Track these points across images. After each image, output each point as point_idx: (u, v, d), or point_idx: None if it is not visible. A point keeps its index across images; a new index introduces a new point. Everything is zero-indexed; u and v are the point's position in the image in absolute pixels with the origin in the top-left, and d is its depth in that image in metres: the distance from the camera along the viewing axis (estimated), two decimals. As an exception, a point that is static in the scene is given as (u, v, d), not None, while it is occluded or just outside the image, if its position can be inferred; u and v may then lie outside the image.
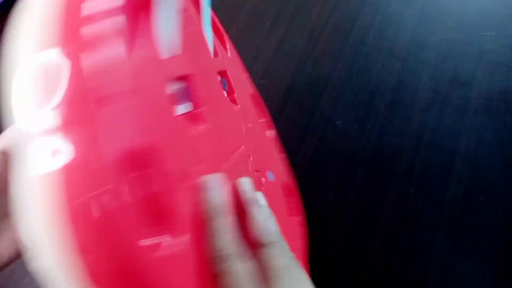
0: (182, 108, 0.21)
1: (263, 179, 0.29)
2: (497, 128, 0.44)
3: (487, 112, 0.44)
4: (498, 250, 0.39)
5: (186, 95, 0.21)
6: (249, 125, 0.29)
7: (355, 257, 0.39)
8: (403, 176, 0.44)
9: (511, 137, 0.43)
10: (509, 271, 0.39)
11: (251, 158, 0.27)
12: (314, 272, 0.27)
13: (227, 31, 0.36)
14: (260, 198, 0.21)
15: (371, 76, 0.50)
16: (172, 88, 0.20)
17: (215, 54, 0.27)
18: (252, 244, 0.20)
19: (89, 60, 0.16)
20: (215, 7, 0.29)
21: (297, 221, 0.36)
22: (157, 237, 0.16)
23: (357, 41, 0.50)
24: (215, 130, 0.23)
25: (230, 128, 0.26)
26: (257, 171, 0.28)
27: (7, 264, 0.27)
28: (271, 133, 0.39)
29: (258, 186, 0.27)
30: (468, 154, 0.42)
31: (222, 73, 0.28)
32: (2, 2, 0.54)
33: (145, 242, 0.16)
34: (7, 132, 0.25)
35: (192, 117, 0.21)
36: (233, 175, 0.22)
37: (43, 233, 0.15)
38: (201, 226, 0.18)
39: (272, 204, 0.22)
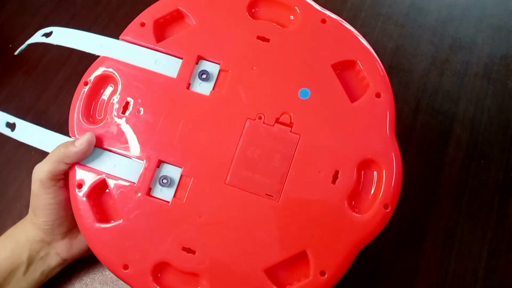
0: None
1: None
2: (497, 92, 0.44)
3: (487, 76, 0.45)
4: (497, 214, 0.39)
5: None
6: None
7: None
8: (402, 141, 0.43)
9: (511, 101, 0.43)
10: (505, 236, 0.41)
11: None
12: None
13: None
14: None
15: (369, 41, 0.49)
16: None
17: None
18: None
19: None
20: None
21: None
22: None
23: (355, 7, 0.50)
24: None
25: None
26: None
27: (76, 258, 0.37)
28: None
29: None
30: (467, 118, 0.43)
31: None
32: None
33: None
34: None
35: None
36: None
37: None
38: None
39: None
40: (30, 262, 0.33)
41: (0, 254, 0.34)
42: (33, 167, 0.33)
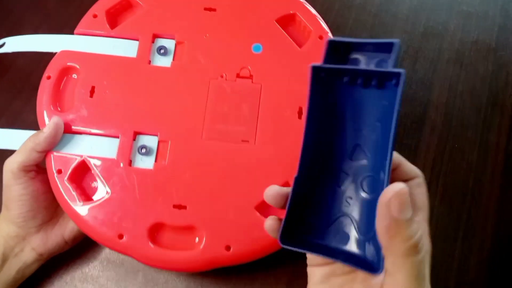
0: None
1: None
2: (469, 77, 0.46)
3: (459, 62, 0.46)
4: (472, 195, 0.40)
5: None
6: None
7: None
8: (378, 127, 0.44)
9: (483, 85, 0.45)
10: (480, 216, 0.43)
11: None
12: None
13: None
14: None
15: (343, 32, 0.51)
16: None
17: None
18: None
19: None
20: None
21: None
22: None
23: None
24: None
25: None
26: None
27: (52, 253, 0.37)
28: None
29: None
30: (441, 103, 0.45)
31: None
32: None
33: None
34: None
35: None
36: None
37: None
38: None
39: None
40: (4, 259, 0.35)
41: None
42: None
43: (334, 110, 0.25)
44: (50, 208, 0.36)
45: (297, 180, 0.24)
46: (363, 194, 0.25)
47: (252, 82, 0.37)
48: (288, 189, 0.26)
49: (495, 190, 0.43)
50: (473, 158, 0.44)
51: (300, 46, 0.39)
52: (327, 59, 0.23)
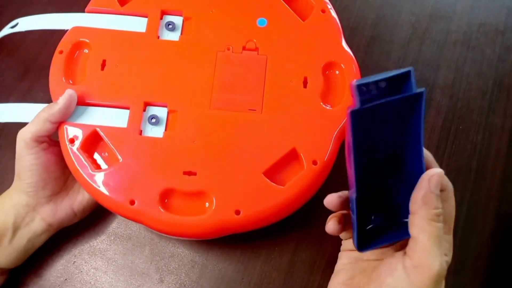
0: None
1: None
2: (476, 59, 0.46)
3: (466, 44, 0.47)
4: (475, 176, 0.41)
5: None
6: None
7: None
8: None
9: (490, 67, 0.46)
10: (483, 195, 0.44)
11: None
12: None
13: None
14: None
15: (351, 14, 0.51)
16: None
17: None
18: None
19: None
20: None
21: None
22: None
23: None
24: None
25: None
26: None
27: (61, 224, 0.39)
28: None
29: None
30: (447, 85, 0.45)
31: None
32: None
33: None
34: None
35: None
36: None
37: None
38: None
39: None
40: (16, 228, 0.37)
41: None
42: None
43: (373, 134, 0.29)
44: (60, 180, 0.38)
45: (358, 199, 0.28)
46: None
47: (258, 54, 0.39)
48: (344, 193, 0.30)
49: (498, 172, 0.44)
50: (477, 140, 0.45)
51: (303, 19, 0.41)
52: (358, 100, 0.26)
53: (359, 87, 0.25)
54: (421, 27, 0.50)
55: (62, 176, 0.38)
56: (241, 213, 0.34)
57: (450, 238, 0.29)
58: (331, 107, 0.38)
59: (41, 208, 0.37)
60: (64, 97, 0.36)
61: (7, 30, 0.43)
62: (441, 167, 0.44)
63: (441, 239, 0.27)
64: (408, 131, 0.28)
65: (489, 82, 0.47)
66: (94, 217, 0.41)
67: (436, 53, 0.49)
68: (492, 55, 0.48)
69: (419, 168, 0.28)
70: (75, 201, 0.38)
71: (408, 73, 0.26)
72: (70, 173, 0.37)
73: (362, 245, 0.29)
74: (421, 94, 0.26)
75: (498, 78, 0.47)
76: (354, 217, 0.28)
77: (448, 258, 0.29)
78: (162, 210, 0.34)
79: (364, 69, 0.48)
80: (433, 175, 0.27)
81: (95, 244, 0.41)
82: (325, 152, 0.36)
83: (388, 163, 0.30)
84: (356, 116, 0.26)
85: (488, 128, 0.45)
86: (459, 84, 0.47)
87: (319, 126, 0.37)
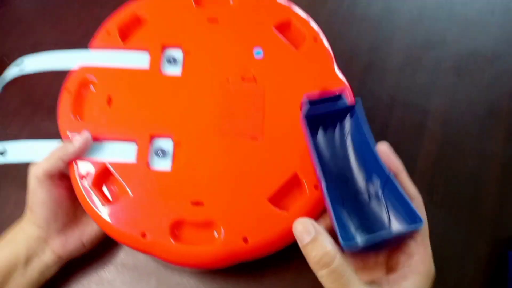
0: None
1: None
2: (467, 86, 0.49)
3: (457, 72, 0.49)
4: (470, 203, 0.42)
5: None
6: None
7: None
8: (379, 134, 0.47)
9: (480, 94, 0.48)
10: (479, 221, 0.45)
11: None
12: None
13: None
14: None
15: (346, 43, 0.54)
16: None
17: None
18: None
19: None
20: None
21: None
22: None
23: (332, 10, 0.55)
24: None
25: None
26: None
27: (70, 256, 0.40)
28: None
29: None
30: (439, 112, 0.48)
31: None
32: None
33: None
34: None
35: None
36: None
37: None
38: None
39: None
40: (27, 260, 0.39)
41: (0, 255, 0.39)
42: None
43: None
44: (71, 213, 0.40)
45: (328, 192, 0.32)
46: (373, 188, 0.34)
47: (256, 83, 0.42)
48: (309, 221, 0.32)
49: (492, 198, 0.45)
50: (471, 166, 0.47)
51: (297, 48, 0.44)
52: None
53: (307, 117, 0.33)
54: (414, 55, 0.53)
55: (72, 209, 0.40)
56: (249, 240, 0.36)
57: (427, 248, 0.31)
58: None
59: (52, 240, 0.39)
60: (80, 140, 0.38)
61: (13, 72, 0.45)
62: (435, 192, 0.46)
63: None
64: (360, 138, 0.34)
65: (480, 109, 0.49)
66: (102, 248, 0.43)
67: (428, 80, 0.51)
68: (482, 83, 0.51)
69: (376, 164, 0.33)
70: (84, 232, 0.40)
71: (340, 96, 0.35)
72: (79, 206, 0.40)
73: (346, 241, 0.29)
74: (353, 106, 0.34)
75: (489, 105, 0.50)
76: (329, 207, 0.31)
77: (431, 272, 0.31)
78: (173, 241, 0.36)
79: (359, 96, 0.50)
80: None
81: (103, 274, 0.43)
82: None
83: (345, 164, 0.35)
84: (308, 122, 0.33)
85: (480, 154, 0.47)
86: (451, 110, 0.50)
87: None
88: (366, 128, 0.34)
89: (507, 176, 0.46)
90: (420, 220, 0.29)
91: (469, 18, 0.55)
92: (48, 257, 0.39)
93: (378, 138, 0.48)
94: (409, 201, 0.30)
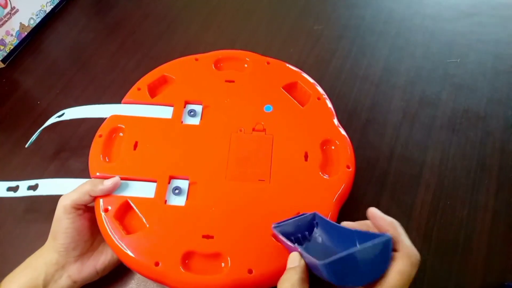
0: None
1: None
2: (460, 142, 0.52)
3: (451, 128, 0.53)
4: (462, 250, 0.45)
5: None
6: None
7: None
8: (378, 184, 0.51)
9: (473, 149, 0.52)
10: (470, 268, 0.48)
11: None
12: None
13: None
14: None
15: (349, 99, 0.59)
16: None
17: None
18: None
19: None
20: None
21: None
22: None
23: (337, 70, 0.60)
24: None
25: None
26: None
27: (85, 282, 0.44)
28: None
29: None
30: (434, 165, 0.51)
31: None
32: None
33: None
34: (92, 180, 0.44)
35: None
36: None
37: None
38: None
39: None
40: (45, 284, 0.43)
41: (20, 279, 0.42)
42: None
43: None
44: (89, 242, 0.45)
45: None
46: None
47: (265, 134, 0.48)
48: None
49: (483, 246, 0.48)
50: (463, 216, 0.50)
51: (302, 105, 0.50)
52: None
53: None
54: (411, 112, 0.58)
55: (90, 239, 0.45)
56: (253, 272, 0.40)
57: None
58: (329, 176, 0.45)
59: (69, 266, 0.43)
60: (111, 182, 0.43)
61: (54, 119, 0.52)
62: (430, 239, 0.49)
63: None
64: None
65: (473, 162, 0.53)
66: (114, 277, 0.47)
67: (424, 135, 0.56)
68: (474, 138, 0.55)
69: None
70: (99, 261, 0.44)
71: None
72: (97, 236, 0.44)
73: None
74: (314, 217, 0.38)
75: (481, 159, 0.53)
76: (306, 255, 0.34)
77: None
78: (183, 270, 0.40)
79: (361, 149, 0.55)
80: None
81: None
82: (326, 215, 0.42)
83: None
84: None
85: (472, 204, 0.50)
86: (445, 163, 0.53)
87: (320, 193, 0.44)
88: (330, 222, 0.37)
89: (497, 226, 0.49)
90: (387, 236, 0.30)
91: (462, 79, 0.60)
92: (64, 281, 0.42)
93: (377, 186, 0.52)
94: (375, 233, 0.32)
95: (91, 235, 0.44)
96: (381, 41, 0.66)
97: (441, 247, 0.49)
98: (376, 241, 0.30)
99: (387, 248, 0.30)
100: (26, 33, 0.67)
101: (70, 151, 0.57)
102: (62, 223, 0.42)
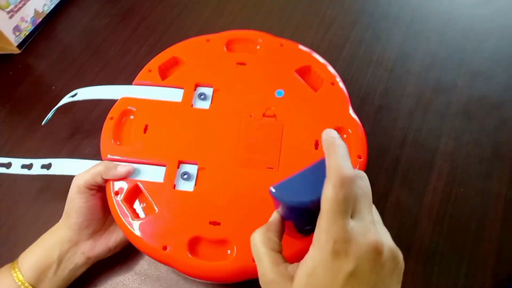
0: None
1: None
2: (475, 129, 0.52)
3: (466, 115, 0.52)
4: (474, 236, 0.45)
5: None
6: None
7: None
8: (390, 170, 0.50)
9: (487, 137, 0.51)
10: (482, 256, 0.48)
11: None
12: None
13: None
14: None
15: (362, 85, 0.58)
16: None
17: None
18: None
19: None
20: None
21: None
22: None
23: (350, 55, 0.60)
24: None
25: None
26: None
27: (98, 258, 0.45)
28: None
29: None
30: (448, 152, 0.51)
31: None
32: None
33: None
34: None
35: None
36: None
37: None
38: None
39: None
40: (60, 260, 0.44)
41: (35, 254, 0.44)
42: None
43: None
44: (101, 221, 0.46)
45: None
46: None
47: (275, 120, 0.47)
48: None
49: (494, 235, 0.47)
50: (476, 204, 0.49)
51: (315, 90, 0.48)
52: None
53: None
54: (425, 98, 0.57)
55: (103, 218, 0.46)
56: None
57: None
58: None
59: (82, 244, 0.44)
60: (124, 169, 0.43)
61: (67, 99, 0.52)
62: (442, 227, 0.49)
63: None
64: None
65: (487, 151, 0.52)
66: (126, 256, 0.48)
67: (438, 122, 0.55)
68: (489, 126, 0.54)
69: None
70: (111, 239, 0.45)
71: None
72: (109, 215, 0.45)
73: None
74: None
75: (495, 147, 0.52)
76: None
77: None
78: (190, 255, 0.40)
79: (373, 135, 0.54)
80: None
81: (127, 282, 0.48)
82: None
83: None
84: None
85: (485, 193, 0.50)
86: (459, 151, 0.53)
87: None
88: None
89: (509, 216, 0.49)
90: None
91: (478, 66, 0.59)
92: (78, 258, 0.44)
93: (388, 173, 0.51)
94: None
95: (104, 214, 0.45)
96: (396, 26, 0.64)
97: (452, 235, 0.48)
98: (314, 164, 0.31)
99: (319, 170, 0.30)
100: (40, 20, 0.67)
101: (83, 133, 0.58)
102: (76, 202, 0.43)
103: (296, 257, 0.32)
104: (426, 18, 0.65)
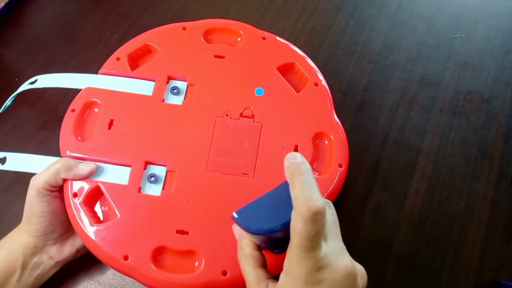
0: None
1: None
2: (461, 126, 0.48)
3: (452, 111, 0.49)
4: (456, 242, 0.42)
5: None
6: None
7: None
8: (370, 171, 0.47)
9: (474, 134, 0.47)
10: (464, 264, 0.45)
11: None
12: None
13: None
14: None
15: (344, 78, 0.54)
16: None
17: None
18: None
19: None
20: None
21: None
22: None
23: (332, 45, 0.55)
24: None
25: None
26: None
27: (67, 260, 0.41)
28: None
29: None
30: (432, 151, 0.47)
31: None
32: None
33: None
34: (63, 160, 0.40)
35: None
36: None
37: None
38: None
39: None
40: (24, 268, 0.40)
41: None
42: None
43: None
44: (67, 223, 0.41)
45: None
46: None
47: (253, 121, 0.43)
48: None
49: (479, 240, 0.45)
50: (460, 208, 0.46)
51: (297, 91, 0.45)
52: None
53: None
54: (410, 93, 0.53)
55: (68, 220, 0.41)
56: (227, 274, 0.36)
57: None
58: (318, 175, 0.41)
59: (49, 249, 0.40)
60: (87, 168, 0.39)
61: (26, 86, 0.48)
62: (423, 232, 0.46)
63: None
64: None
65: (473, 149, 0.49)
66: (89, 265, 0.44)
67: (423, 118, 0.51)
68: (477, 123, 0.50)
69: None
70: (78, 239, 0.41)
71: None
72: None
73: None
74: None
75: (482, 145, 0.49)
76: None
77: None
78: (154, 267, 0.37)
79: (353, 132, 0.50)
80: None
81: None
82: None
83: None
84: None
85: (471, 195, 0.47)
86: (444, 150, 0.49)
87: None
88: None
89: (495, 219, 0.46)
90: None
91: (468, 57, 0.56)
92: (45, 263, 0.40)
93: (368, 173, 0.48)
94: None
95: (68, 216, 0.41)
96: (382, 14, 0.60)
97: (434, 240, 0.46)
98: (278, 186, 0.29)
99: (284, 194, 0.28)
100: (3, 4, 0.62)
101: (50, 128, 0.53)
102: (36, 207, 0.39)
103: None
104: (414, 5, 0.60)
